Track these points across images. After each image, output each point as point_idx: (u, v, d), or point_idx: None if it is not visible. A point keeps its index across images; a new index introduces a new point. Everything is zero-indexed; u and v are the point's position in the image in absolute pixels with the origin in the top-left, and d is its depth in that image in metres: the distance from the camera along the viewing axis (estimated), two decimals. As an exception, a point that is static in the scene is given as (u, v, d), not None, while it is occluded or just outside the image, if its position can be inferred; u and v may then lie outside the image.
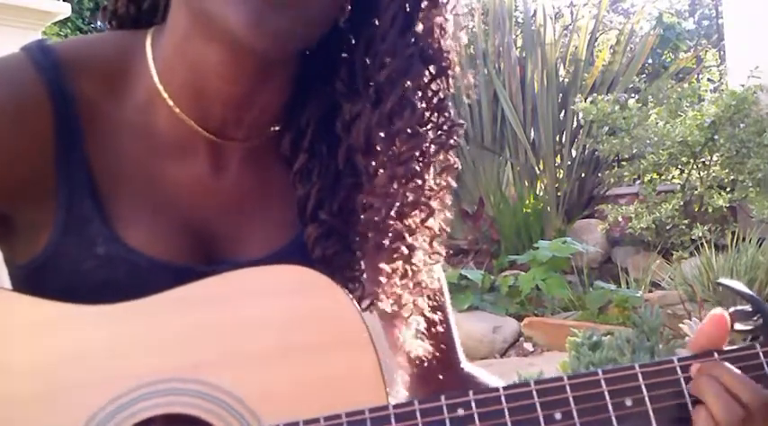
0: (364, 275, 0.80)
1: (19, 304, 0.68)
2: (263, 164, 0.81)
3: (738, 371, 0.65)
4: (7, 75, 0.72)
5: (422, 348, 0.84)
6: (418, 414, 0.63)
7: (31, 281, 0.74)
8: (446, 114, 0.79)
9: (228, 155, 0.79)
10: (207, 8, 0.68)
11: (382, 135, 0.76)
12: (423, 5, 0.76)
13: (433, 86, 0.78)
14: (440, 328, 0.88)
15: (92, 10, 10.46)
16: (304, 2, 0.68)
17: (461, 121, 0.81)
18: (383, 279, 0.79)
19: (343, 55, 0.80)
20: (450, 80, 0.79)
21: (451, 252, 6.76)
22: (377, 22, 0.76)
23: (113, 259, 0.72)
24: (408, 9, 0.75)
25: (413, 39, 0.76)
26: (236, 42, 0.68)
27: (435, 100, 0.78)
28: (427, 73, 0.77)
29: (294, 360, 0.66)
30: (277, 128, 0.82)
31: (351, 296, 0.73)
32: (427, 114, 0.78)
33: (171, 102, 0.75)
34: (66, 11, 4.55)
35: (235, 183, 0.79)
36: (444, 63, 0.78)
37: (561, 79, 7.89)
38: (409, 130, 0.76)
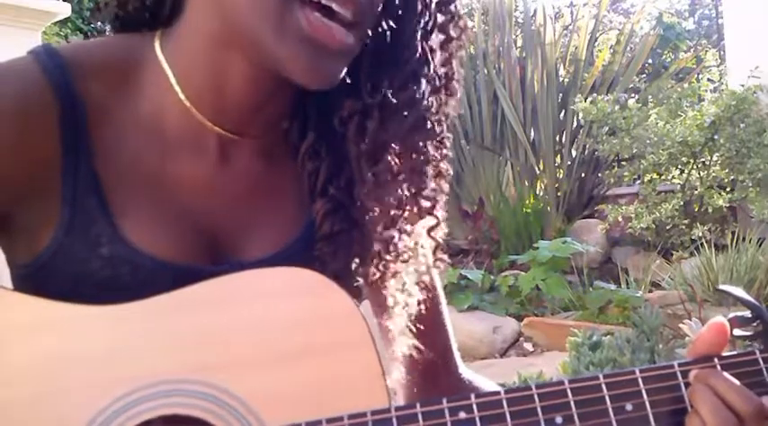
0: (369, 251, 0.82)
1: (21, 304, 0.68)
2: (272, 162, 0.83)
3: (734, 380, 0.65)
4: (14, 78, 0.73)
5: (406, 345, 0.85)
6: (420, 417, 0.63)
7: (33, 281, 0.74)
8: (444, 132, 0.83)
9: (237, 152, 0.80)
10: (261, 41, 0.70)
11: (392, 146, 0.80)
12: (440, 40, 0.80)
13: (443, 108, 0.82)
14: (432, 318, 0.89)
15: (92, 10, 10.46)
16: (352, 47, 0.73)
17: (449, 135, 0.84)
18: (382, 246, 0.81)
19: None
20: (455, 101, 0.83)
21: (451, 252, 6.76)
22: (402, 52, 0.79)
23: (117, 259, 0.73)
24: (428, 39, 0.79)
25: (431, 70, 0.80)
26: (287, 77, 0.71)
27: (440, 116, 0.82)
28: (439, 96, 0.81)
29: (296, 362, 0.67)
30: (286, 126, 0.83)
31: (356, 272, 0.78)
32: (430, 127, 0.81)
33: (188, 103, 0.76)
34: (66, 11, 4.54)
35: (241, 181, 0.80)
36: (451, 89, 0.82)
37: (561, 79, 7.89)
38: (423, 148, 0.81)
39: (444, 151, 0.82)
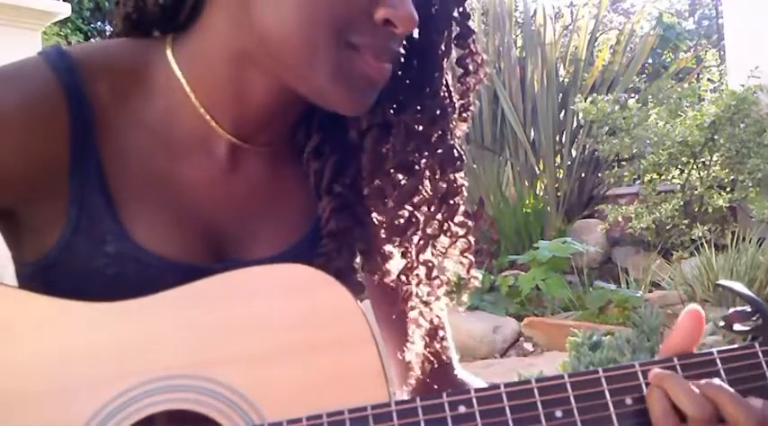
0: (374, 249, 0.83)
1: (27, 301, 0.68)
2: (278, 167, 0.83)
3: (686, 383, 0.64)
4: (25, 78, 0.73)
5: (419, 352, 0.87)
6: (420, 411, 0.63)
7: (38, 279, 0.75)
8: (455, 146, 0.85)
9: (246, 158, 0.81)
10: (310, 79, 0.72)
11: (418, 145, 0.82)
12: (458, 73, 0.84)
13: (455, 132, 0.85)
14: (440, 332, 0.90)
15: (92, 10, 10.45)
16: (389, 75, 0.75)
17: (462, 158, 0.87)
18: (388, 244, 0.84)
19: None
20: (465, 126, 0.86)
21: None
22: (422, 78, 0.82)
23: (123, 257, 0.73)
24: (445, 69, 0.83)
25: (448, 97, 0.83)
26: (321, 105, 0.75)
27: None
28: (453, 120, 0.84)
29: (298, 358, 0.67)
30: (294, 131, 0.85)
31: (360, 268, 0.79)
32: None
33: (202, 110, 0.77)
34: (66, 11, 4.56)
35: (248, 184, 0.81)
36: (464, 117, 0.85)
37: (561, 79, 7.90)
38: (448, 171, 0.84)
39: (460, 178, 0.85)
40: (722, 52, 11.20)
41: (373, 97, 0.75)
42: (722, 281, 0.73)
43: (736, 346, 0.67)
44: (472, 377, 0.97)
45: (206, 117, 0.77)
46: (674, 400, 0.63)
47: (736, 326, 0.69)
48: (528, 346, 5.10)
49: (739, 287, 0.71)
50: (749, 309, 0.69)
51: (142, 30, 0.82)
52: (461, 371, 0.96)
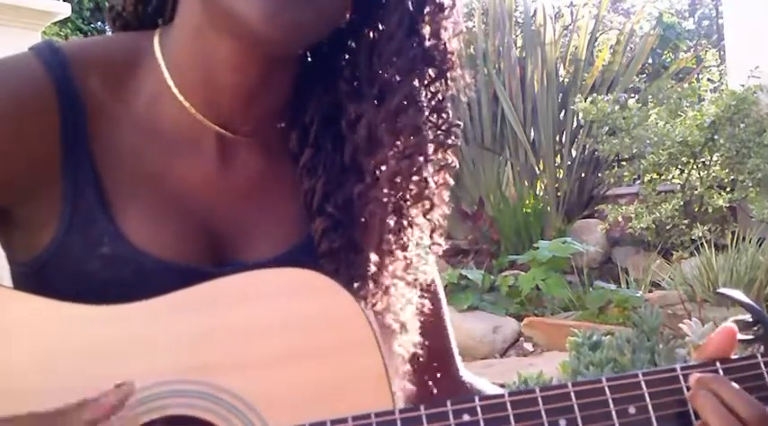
0: (369, 272, 0.81)
1: (23, 302, 0.68)
2: (270, 161, 0.82)
3: (736, 385, 0.65)
4: (16, 74, 0.73)
5: (412, 342, 0.84)
6: (424, 419, 0.63)
7: (34, 280, 0.74)
8: (444, 115, 0.81)
9: (236, 150, 0.79)
10: (222, 1, 0.69)
11: (387, 132, 0.78)
12: (428, 9, 0.78)
13: (432, 88, 0.80)
14: (432, 322, 0.89)
15: (92, 10, 10.44)
16: None
17: (459, 122, 0.82)
18: (379, 270, 0.80)
19: (347, 56, 0.81)
20: (450, 82, 0.80)
21: (451, 252, 6.76)
22: (381, 26, 0.78)
23: (118, 259, 0.72)
24: (414, 11, 0.77)
25: (418, 41, 0.77)
26: (249, 34, 0.70)
27: (434, 101, 0.80)
28: (429, 74, 0.79)
29: (300, 363, 0.67)
30: (283, 125, 0.83)
31: (355, 294, 0.75)
32: (426, 114, 0.79)
33: (181, 97, 0.76)
34: (66, 11, 4.54)
35: (242, 180, 0.80)
36: (446, 65, 0.79)
37: (561, 79, 7.89)
38: (413, 127, 0.78)
39: (448, 141, 0.81)
40: (722, 52, 11.20)
41: (294, 14, 0.69)
42: (723, 290, 0.73)
43: (737, 356, 0.67)
44: (476, 378, 0.97)
45: (185, 104, 0.76)
46: (728, 403, 0.64)
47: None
48: (528, 346, 5.10)
49: (739, 295, 0.71)
50: (750, 318, 0.69)
51: (132, 29, 0.82)
52: (465, 372, 0.95)
